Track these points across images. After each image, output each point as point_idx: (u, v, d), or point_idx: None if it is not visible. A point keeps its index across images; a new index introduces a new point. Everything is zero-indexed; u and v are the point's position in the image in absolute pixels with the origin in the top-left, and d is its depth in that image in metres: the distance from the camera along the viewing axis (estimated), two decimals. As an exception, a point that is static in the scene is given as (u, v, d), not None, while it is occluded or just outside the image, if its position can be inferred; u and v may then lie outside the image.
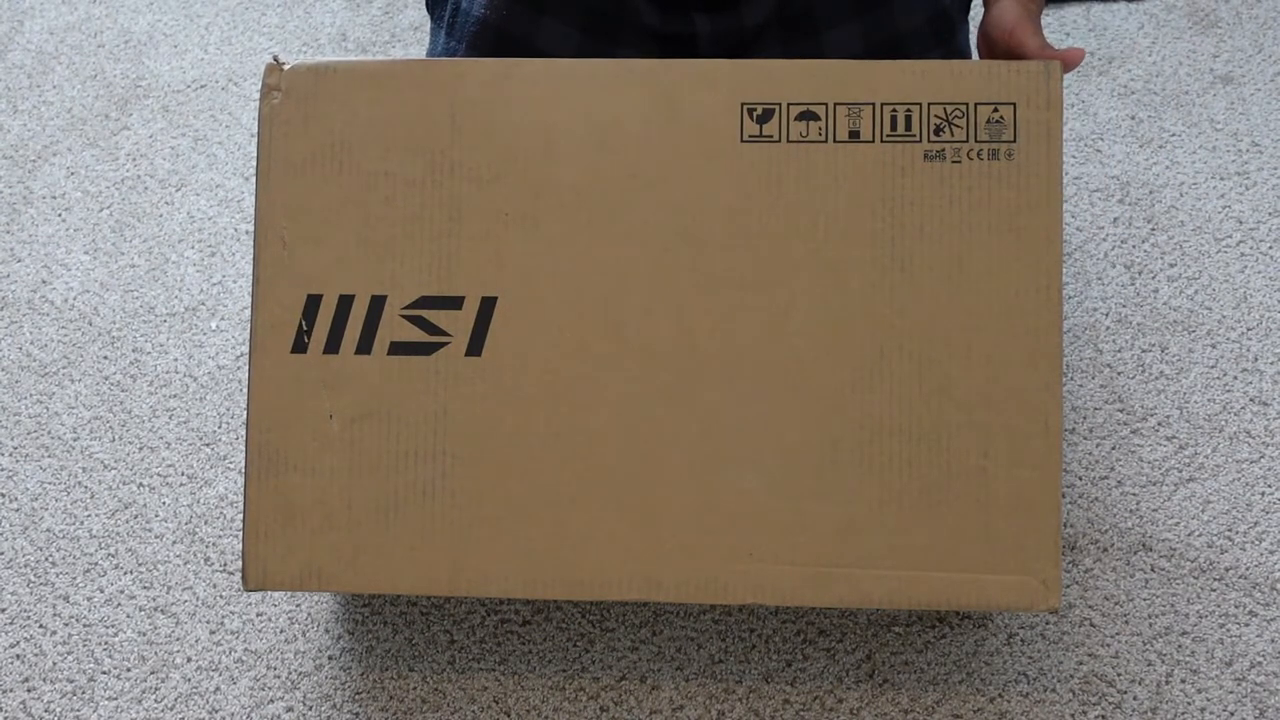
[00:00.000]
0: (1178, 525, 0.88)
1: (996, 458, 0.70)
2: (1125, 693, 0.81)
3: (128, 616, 0.87)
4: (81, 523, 0.92)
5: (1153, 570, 0.86)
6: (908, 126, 0.71)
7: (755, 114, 0.71)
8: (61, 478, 0.94)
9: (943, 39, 0.82)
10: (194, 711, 0.83)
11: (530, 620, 0.86)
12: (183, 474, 0.94)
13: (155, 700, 0.84)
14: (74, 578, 0.89)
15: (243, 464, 0.93)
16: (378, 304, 0.72)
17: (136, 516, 0.92)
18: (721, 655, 0.84)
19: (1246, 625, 0.84)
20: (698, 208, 0.71)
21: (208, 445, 0.95)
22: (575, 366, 0.72)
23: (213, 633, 0.86)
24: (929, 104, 0.71)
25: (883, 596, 0.71)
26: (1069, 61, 0.72)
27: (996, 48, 0.76)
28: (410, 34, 1.21)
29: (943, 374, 0.70)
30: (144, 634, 0.87)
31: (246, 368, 0.97)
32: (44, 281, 1.05)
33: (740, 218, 0.71)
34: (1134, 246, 1.02)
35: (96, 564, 0.90)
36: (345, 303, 0.72)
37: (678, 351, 0.71)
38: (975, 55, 0.83)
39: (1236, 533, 0.88)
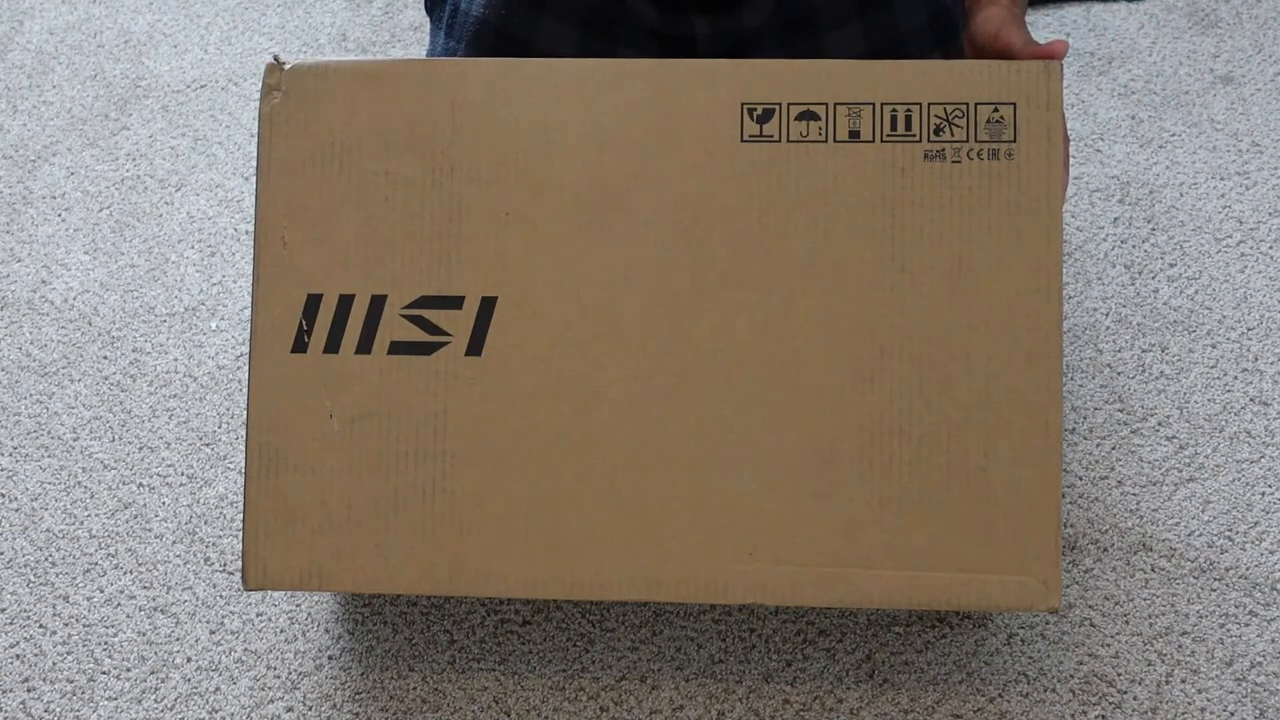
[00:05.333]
0: (1178, 525, 0.88)
1: (996, 458, 0.70)
2: (1125, 693, 0.81)
3: (128, 616, 0.87)
4: (81, 523, 0.92)
5: (1153, 570, 0.86)
6: (908, 126, 0.71)
7: (755, 114, 0.71)
8: (61, 478, 0.94)
9: (945, 39, 0.82)
10: (194, 711, 0.83)
11: (530, 620, 0.86)
12: (183, 474, 0.94)
13: (155, 700, 0.84)
14: (74, 578, 0.89)
15: (243, 464, 0.93)
16: (378, 304, 0.72)
17: (136, 516, 0.92)
18: (721, 655, 0.84)
19: (1246, 625, 0.84)
20: (698, 208, 0.71)
21: (208, 445, 0.95)
22: (575, 366, 0.72)
23: (213, 633, 0.86)
24: (929, 104, 0.71)
25: (883, 596, 0.71)
26: (1055, 54, 0.72)
27: (984, 52, 0.76)
28: (410, 34, 1.21)
29: (943, 374, 0.70)
30: (144, 634, 0.87)
31: (246, 368, 0.97)
32: (44, 281, 1.05)
33: (740, 218, 0.71)
34: (1134, 246, 1.02)
35: (96, 564, 0.90)
36: (345, 302, 0.72)
37: (678, 351, 0.71)
38: (975, 55, 0.83)
39: (1236, 533, 0.88)
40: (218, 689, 0.84)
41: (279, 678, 0.84)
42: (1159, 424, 0.93)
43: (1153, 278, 1.00)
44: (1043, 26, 1.16)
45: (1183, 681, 0.82)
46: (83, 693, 0.84)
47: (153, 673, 0.85)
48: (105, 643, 0.86)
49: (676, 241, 0.71)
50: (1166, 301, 0.98)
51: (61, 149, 1.14)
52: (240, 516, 0.91)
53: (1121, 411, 0.93)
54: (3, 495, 0.94)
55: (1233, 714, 0.80)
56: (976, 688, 0.82)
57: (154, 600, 0.88)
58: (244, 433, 0.80)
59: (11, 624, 0.88)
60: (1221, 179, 1.05)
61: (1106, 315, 0.98)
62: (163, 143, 1.13)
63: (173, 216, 1.08)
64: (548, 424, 0.71)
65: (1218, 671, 0.82)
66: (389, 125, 0.73)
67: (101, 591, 0.89)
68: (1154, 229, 1.02)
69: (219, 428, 0.96)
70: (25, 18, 1.24)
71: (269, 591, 0.85)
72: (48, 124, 1.16)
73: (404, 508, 0.72)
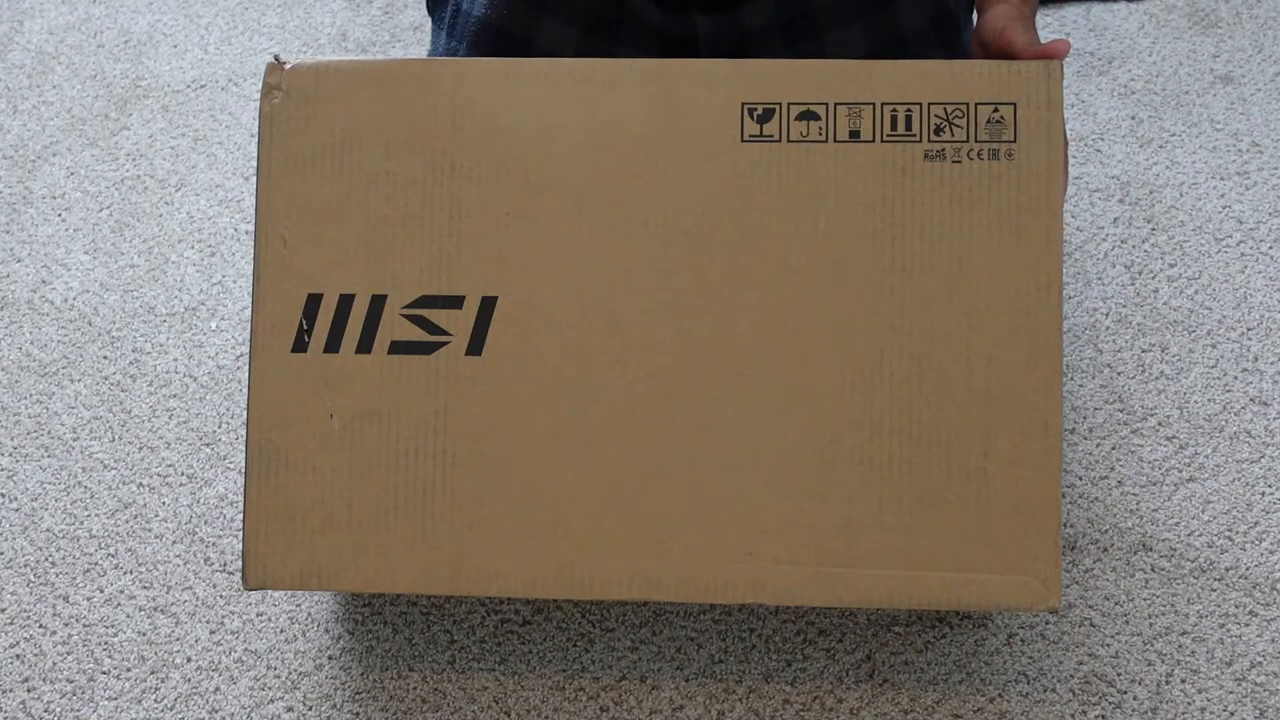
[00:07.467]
0: (1178, 525, 0.88)
1: (996, 458, 0.70)
2: (1125, 693, 0.81)
3: (128, 616, 0.87)
4: (81, 523, 0.92)
5: (1153, 570, 0.86)
6: (908, 126, 0.71)
7: (755, 114, 0.71)
8: (61, 478, 0.94)
9: (947, 39, 0.82)
10: (194, 711, 0.83)
11: (530, 620, 0.86)
12: (183, 474, 0.94)
13: (155, 700, 0.84)
14: (74, 578, 0.89)
15: (243, 464, 0.93)
16: (378, 303, 0.72)
17: (136, 516, 0.92)
18: (721, 655, 0.84)
19: (1246, 625, 0.84)
20: (698, 208, 0.71)
21: (208, 445, 0.95)
22: (575, 366, 0.72)
23: (213, 633, 0.86)
24: (929, 104, 0.71)
25: (883, 596, 0.71)
26: (1056, 53, 0.72)
27: (990, 49, 0.76)
28: (410, 34, 1.21)
29: (943, 374, 0.70)
30: (144, 634, 0.87)
31: (246, 368, 0.97)
32: (44, 281, 1.05)
33: (740, 218, 0.71)
34: (1134, 246, 1.02)
35: (96, 564, 0.90)
36: (346, 302, 0.72)
37: (678, 351, 0.71)
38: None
39: (1236, 533, 0.88)
40: (218, 689, 0.84)
41: (279, 678, 0.84)
42: (1159, 424, 0.93)
43: (1153, 278, 1.00)
44: (1043, 27, 1.16)
45: (1183, 681, 0.82)
46: (83, 693, 0.84)
47: (153, 673, 0.85)
48: (105, 643, 0.86)
49: (676, 241, 0.71)
50: (1166, 301, 0.98)
51: (61, 149, 1.14)
52: (240, 516, 0.91)
53: (1121, 411, 0.93)
54: (3, 495, 0.94)
55: (1233, 714, 0.80)
56: (976, 688, 0.82)
57: (154, 600, 0.88)
58: (244, 433, 0.80)
59: (11, 624, 0.88)
60: (1221, 179, 1.05)
61: (1106, 315, 0.98)
62: (163, 143, 1.13)
63: (173, 216, 1.08)
64: (548, 424, 0.71)
65: (1218, 671, 0.82)
66: (389, 125, 0.73)
67: (101, 591, 0.89)
68: (1154, 229, 1.02)
69: (219, 428, 0.96)
70: (25, 18, 1.24)
71: (269, 591, 0.85)
72: (48, 124, 1.16)
73: (404, 508, 0.72)
